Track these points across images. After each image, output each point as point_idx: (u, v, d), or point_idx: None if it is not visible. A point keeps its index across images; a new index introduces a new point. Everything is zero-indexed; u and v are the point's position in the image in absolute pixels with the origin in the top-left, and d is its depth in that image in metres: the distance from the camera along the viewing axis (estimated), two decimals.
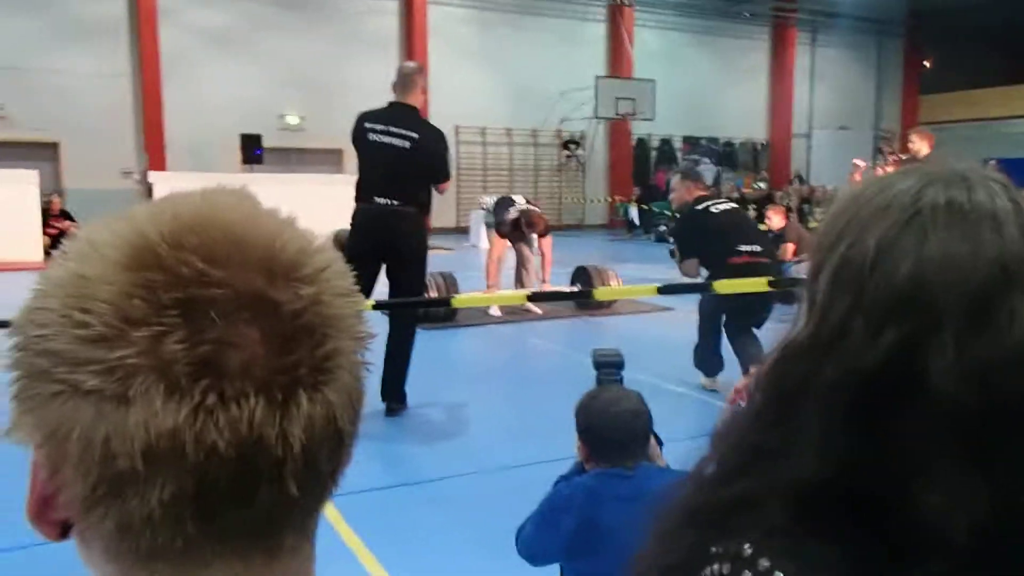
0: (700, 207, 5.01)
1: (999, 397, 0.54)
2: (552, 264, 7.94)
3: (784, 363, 0.60)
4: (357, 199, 4.46)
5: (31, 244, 11.33)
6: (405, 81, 4.48)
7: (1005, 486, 0.53)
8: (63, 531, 0.42)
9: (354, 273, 0.45)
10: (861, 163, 8.37)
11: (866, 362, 0.56)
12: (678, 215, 5.67)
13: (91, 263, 0.39)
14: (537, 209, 7.79)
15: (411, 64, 4.76)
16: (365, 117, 4.49)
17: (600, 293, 6.06)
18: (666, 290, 4.66)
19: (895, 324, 0.56)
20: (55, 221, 12.06)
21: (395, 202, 4.36)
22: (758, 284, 4.38)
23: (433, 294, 6.63)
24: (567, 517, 1.67)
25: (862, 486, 0.55)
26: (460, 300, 6.32)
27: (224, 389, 0.38)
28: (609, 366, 1.95)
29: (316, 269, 0.42)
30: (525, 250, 7.77)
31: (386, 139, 4.38)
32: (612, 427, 1.76)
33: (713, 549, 0.57)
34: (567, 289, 7.47)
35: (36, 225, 11.58)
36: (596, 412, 1.77)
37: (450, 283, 7.14)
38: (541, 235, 7.70)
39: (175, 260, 0.38)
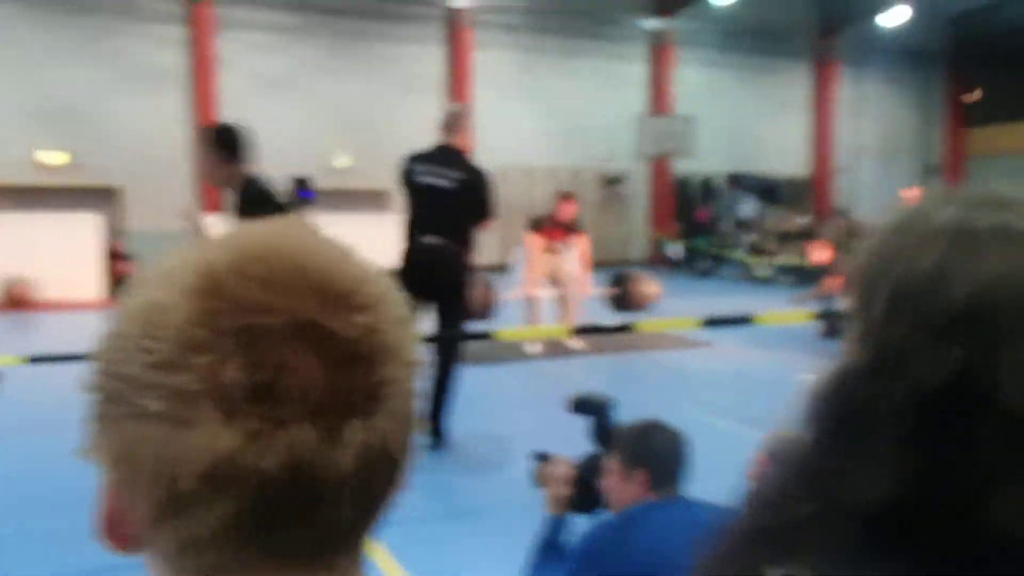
0: None
1: None
2: (592, 276, 7.93)
3: (844, 388, 0.61)
4: (406, 236, 4.62)
5: (93, 285, 11.85)
6: (451, 122, 4.64)
7: None
8: (129, 547, 0.44)
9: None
10: (908, 195, 8.32)
11: (933, 381, 0.57)
12: None
13: (162, 291, 0.41)
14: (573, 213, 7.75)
15: (457, 106, 4.96)
16: (413, 158, 4.65)
17: (644, 326, 6.13)
18: (709, 323, 4.73)
19: (959, 343, 0.57)
20: (118, 263, 12.60)
21: (441, 240, 4.52)
22: (803, 316, 4.40)
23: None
24: (635, 548, 1.58)
25: (931, 503, 0.56)
26: (503, 334, 6.44)
27: (280, 415, 0.39)
28: (589, 408, 1.95)
29: (372, 297, 0.43)
30: (565, 288, 7.81)
31: (432, 180, 4.53)
32: (677, 451, 1.75)
33: (771, 574, 0.57)
34: (607, 323, 7.54)
35: (98, 266, 12.09)
36: (660, 439, 1.76)
37: (490, 287, 7.11)
38: (578, 232, 7.69)
39: (237, 288, 0.40)
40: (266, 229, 0.45)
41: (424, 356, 0.49)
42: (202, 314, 0.39)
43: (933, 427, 0.57)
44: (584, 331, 6.98)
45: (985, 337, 0.57)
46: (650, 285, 7.75)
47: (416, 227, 4.57)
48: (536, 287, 7.58)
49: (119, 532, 0.43)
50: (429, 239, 4.52)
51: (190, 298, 0.40)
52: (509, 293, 7.76)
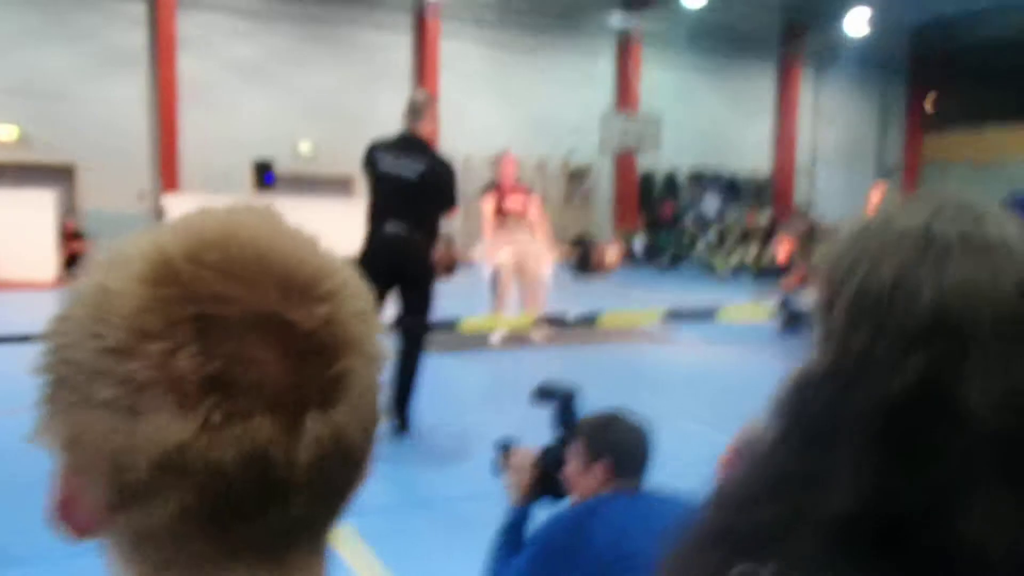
0: None
1: None
2: (552, 258, 7.96)
3: (804, 392, 0.61)
4: (368, 225, 4.59)
5: (46, 264, 11.53)
6: (415, 111, 4.60)
7: None
8: (84, 533, 0.42)
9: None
10: (874, 192, 8.43)
11: (894, 389, 0.56)
12: None
13: (114, 276, 0.40)
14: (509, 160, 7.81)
15: (421, 94, 4.91)
16: (375, 146, 4.61)
17: (607, 320, 6.18)
18: (672, 316, 4.78)
19: (921, 350, 0.57)
20: (71, 242, 12.28)
21: (405, 228, 4.50)
22: (760, 313, 4.48)
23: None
24: (594, 539, 1.57)
25: (895, 513, 0.55)
26: (466, 325, 6.44)
27: (231, 406, 0.38)
28: (553, 396, 1.93)
29: (333, 288, 0.42)
30: (530, 283, 7.80)
31: (396, 169, 4.50)
32: (640, 443, 1.74)
33: (733, 572, 0.57)
34: (570, 315, 7.58)
35: (51, 246, 11.78)
36: (625, 429, 1.74)
37: (452, 244, 7.14)
38: (519, 191, 7.73)
39: (192, 276, 0.39)
40: (224, 214, 0.43)
41: (387, 348, 0.46)
42: (155, 301, 0.38)
43: (895, 436, 0.56)
44: (548, 322, 7.01)
45: (947, 345, 0.56)
46: (611, 251, 7.80)
47: (379, 215, 4.54)
48: (492, 248, 7.57)
49: (73, 518, 0.42)
50: (392, 227, 4.49)
51: (143, 284, 0.39)
52: (472, 252, 7.75)
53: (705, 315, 5.09)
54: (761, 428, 0.90)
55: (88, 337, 0.39)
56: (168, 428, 0.37)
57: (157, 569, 0.41)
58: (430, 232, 4.59)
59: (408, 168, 4.51)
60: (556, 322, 7.28)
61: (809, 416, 0.60)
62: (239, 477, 0.38)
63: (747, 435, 0.98)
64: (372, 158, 4.57)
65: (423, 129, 4.62)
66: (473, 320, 6.66)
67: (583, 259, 7.19)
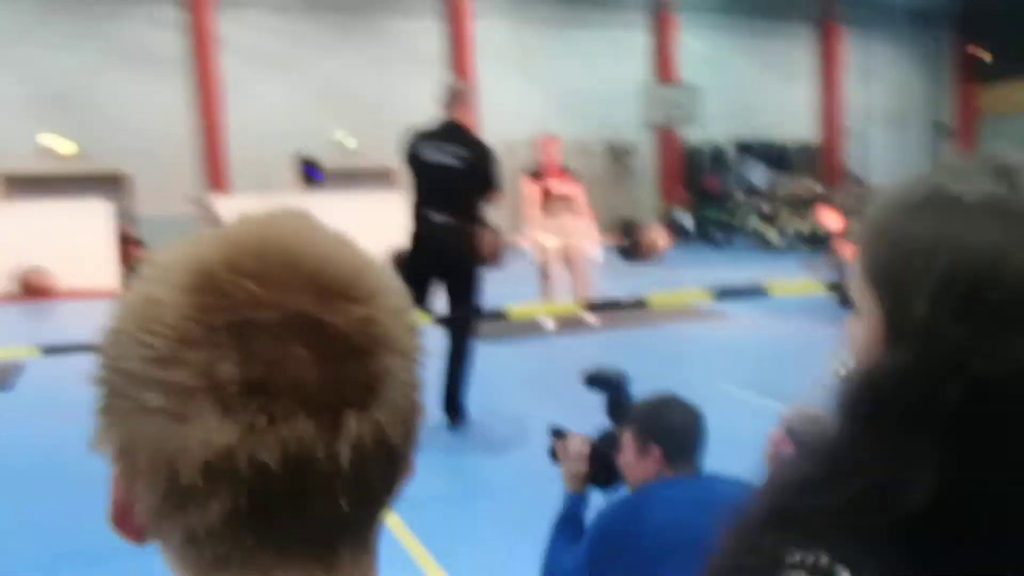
0: None
1: None
2: (599, 246, 7.93)
3: (881, 389, 0.58)
4: (412, 216, 4.59)
5: (107, 272, 11.89)
6: (453, 98, 4.59)
7: None
8: (140, 537, 0.44)
9: (411, 288, 0.47)
10: None
11: (996, 377, 0.54)
12: None
13: (158, 286, 0.41)
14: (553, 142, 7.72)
15: (458, 80, 4.91)
16: (417, 136, 4.60)
17: (656, 301, 6.12)
18: (722, 295, 4.71)
19: (1012, 335, 0.54)
20: (129, 248, 12.64)
21: (450, 217, 4.50)
22: (815, 286, 4.39)
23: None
24: (649, 524, 1.56)
25: (974, 511, 0.54)
26: (516, 312, 6.44)
27: (273, 409, 0.39)
28: (602, 383, 1.94)
29: (368, 288, 0.43)
30: (576, 263, 7.77)
31: (438, 157, 4.50)
32: (693, 427, 1.73)
33: (790, 559, 0.56)
34: (620, 299, 7.53)
35: (110, 253, 12.13)
36: (676, 414, 1.73)
37: (498, 234, 7.19)
38: (566, 176, 7.68)
39: (230, 284, 0.40)
40: (261, 220, 0.45)
41: (426, 345, 0.47)
42: (196, 309, 0.40)
43: (987, 425, 0.54)
44: (596, 307, 6.98)
45: None
46: (659, 235, 7.70)
47: (424, 206, 4.54)
48: (539, 233, 7.53)
49: (128, 523, 0.44)
50: (438, 217, 4.49)
51: (184, 293, 0.40)
52: (519, 239, 7.74)
53: (756, 292, 4.99)
54: (818, 415, 0.87)
55: (136, 346, 0.40)
56: (215, 433, 0.39)
57: (208, 568, 0.43)
58: (475, 219, 4.59)
59: (452, 155, 4.50)
60: (606, 306, 7.24)
61: (888, 412, 0.57)
62: (284, 477, 0.39)
63: (796, 415, 0.96)
64: (414, 148, 4.57)
65: (462, 116, 4.61)
66: (522, 307, 6.66)
67: (632, 246, 7.07)
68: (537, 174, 7.71)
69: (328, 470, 0.40)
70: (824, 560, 0.55)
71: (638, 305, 6.84)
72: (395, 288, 0.45)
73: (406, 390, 0.44)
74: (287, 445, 0.39)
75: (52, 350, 4.13)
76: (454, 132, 4.57)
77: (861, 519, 0.56)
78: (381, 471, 0.43)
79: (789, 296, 7.11)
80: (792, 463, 0.66)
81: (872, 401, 0.59)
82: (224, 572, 0.42)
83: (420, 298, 4.46)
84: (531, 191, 7.66)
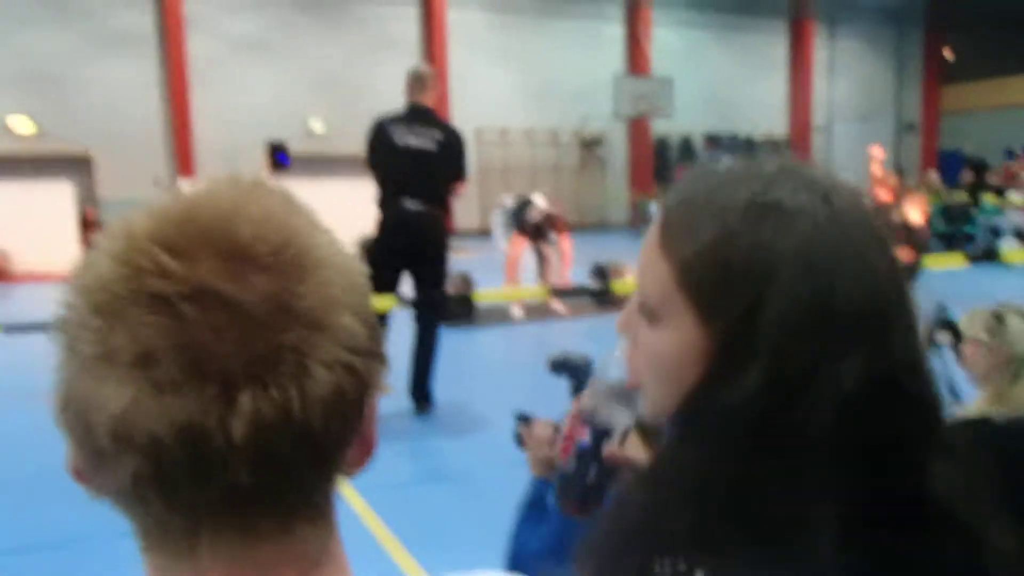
0: None
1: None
2: (572, 264, 8.05)
3: (736, 410, 0.58)
4: (382, 202, 4.50)
5: (67, 254, 11.66)
6: (421, 82, 4.53)
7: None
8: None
9: (380, 277, 0.48)
10: (878, 152, 8.35)
11: (850, 388, 0.55)
12: None
13: (98, 253, 0.42)
14: (556, 211, 7.94)
15: (422, 66, 4.85)
16: (386, 120, 4.52)
17: (618, 286, 6.18)
18: None
19: (865, 340, 0.56)
20: (91, 231, 12.41)
21: (422, 204, 4.46)
22: None
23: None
24: None
25: (854, 512, 0.55)
26: (482, 296, 6.47)
27: (161, 380, 0.39)
28: (568, 368, 1.97)
29: (297, 262, 0.42)
30: (546, 249, 7.90)
31: (412, 140, 4.43)
32: None
33: (657, 569, 0.57)
34: (586, 284, 7.59)
35: (71, 236, 11.92)
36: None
37: (469, 282, 7.27)
38: (560, 232, 7.85)
39: (143, 253, 0.40)
40: (206, 191, 0.44)
41: (377, 328, 0.46)
42: (110, 278, 0.40)
43: (854, 433, 0.55)
44: (563, 293, 7.02)
45: (879, 332, 0.57)
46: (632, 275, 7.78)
47: (395, 192, 4.46)
48: (516, 272, 7.66)
49: (80, 476, 0.44)
50: (411, 204, 4.43)
51: (107, 260, 0.41)
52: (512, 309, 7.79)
53: None
54: (607, 395, 0.88)
55: (69, 308, 0.42)
56: (112, 400, 0.39)
57: (142, 531, 0.44)
58: (444, 205, 4.58)
59: (429, 139, 4.46)
60: (572, 292, 7.28)
61: (746, 432, 0.57)
62: (176, 448, 0.39)
63: (588, 402, 0.97)
64: (384, 132, 4.48)
65: (430, 101, 4.56)
66: (488, 292, 6.68)
67: (605, 291, 7.06)
68: (526, 232, 7.71)
69: (221, 443, 0.39)
70: (683, 566, 0.56)
71: (603, 294, 6.89)
72: (342, 266, 0.44)
73: (330, 368, 0.42)
74: (176, 415, 0.39)
75: (9, 329, 4.07)
76: (426, 116, 4.53)
77: (721, 530, 0.56)
78: (293, 447, 0.41)
79: None
80: (640, 481, 0.66)
81: (727, 423, 0.58)
82: (149, 537, 0.44)
83: (391, 286, 4.44)
84: (515, 246, 7.76)
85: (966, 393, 2.15)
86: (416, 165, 4.44)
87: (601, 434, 0.96)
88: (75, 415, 0.41)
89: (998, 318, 1.87)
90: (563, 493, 1.06)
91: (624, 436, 0.93)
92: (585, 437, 0.98)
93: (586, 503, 1.00)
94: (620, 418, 0.93)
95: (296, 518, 0.45)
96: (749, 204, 0.59)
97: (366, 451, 0.47)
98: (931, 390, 0.60)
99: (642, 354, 0.67)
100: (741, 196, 0.60)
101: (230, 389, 0.39)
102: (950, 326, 2.07)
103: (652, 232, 0.65)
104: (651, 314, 0.65)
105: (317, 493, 0.46)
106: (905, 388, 0.57)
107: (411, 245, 4.43)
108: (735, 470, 0.57)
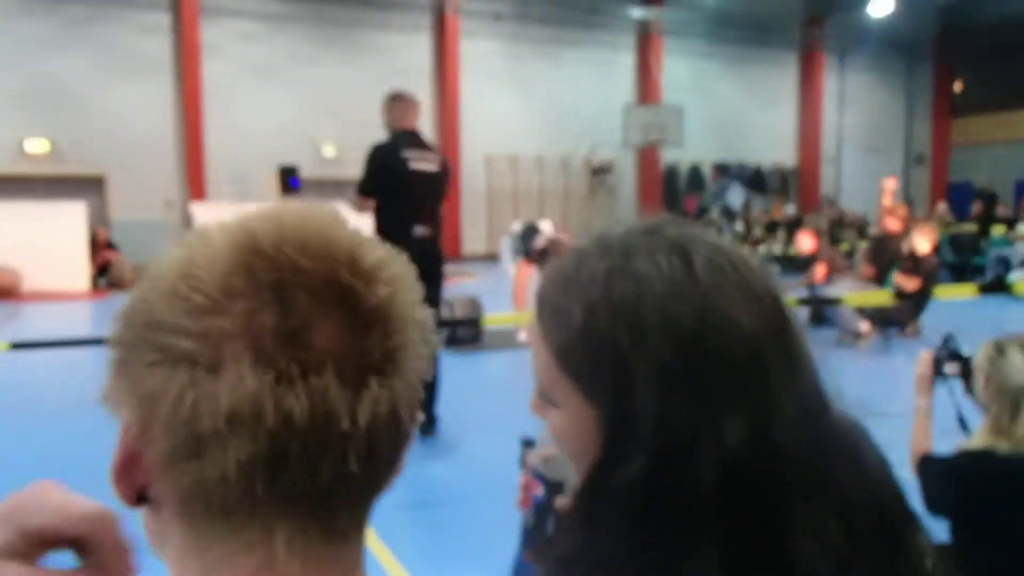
0: None
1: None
2: None
3: (621, 494, 0.57)
4: (391, 232, 4.21)
5: (79, 274, 11.76)
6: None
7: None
8: (139, 498, 0.45)
9: None
10: (891, 184, 8.37)
11: (728, 449, 0.54)
12: None
13: (200, 250, 0.44)
14: (564, 237, 7.96)
15: (403, 91, 4.83)
16: (395, 145, 4.41)
17: None
18: None
19: (736, 398, 0.55)
20: (102, 252, 12.51)
21: (429, 230, 4.46)
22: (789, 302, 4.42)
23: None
24: None
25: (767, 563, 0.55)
26: (490, 320, 6.47)
27: (305, 361, 0.41)
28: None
29: (392, 274, 0.47)
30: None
31: (422, 165, 4.42)
32: None
33: None
34: None
35: (83, 256, 12.00)
36: None
37: (478, 306, 7.27)
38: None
39: (273, 248, 0.43)
40: (297, 208, 0.47)
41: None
42: (241, 266, 0.42)
43: (743, 496, 0.55)
44: None
45: (758, 390, 0.56)
46: None
47: (406, 218, 4.37)
48: (524, 298, 7.68)
49: (129, 477, 0.45)
50: (420, 230, 4.41)
51: (230, 252, 0.43)
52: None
53: None
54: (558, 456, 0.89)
55: (172, 298, 0.42)
56: (247, 379, 0.41)
57: (212, 517, 0.44)
58: (440, 228, 4.64)
59: (431, 163, 4.50)
60: None
61: (634, 513, 0.57)
62: (306, 429, 0.41)
63: (540, 458, 0.97)
64: (396, 158, 4.36)
65: (415, 124, 4.57)
66: (495, 316, 6.68)
67: None
68: (533, 259, 7.71)
69: (346, 428, 0.42)
70: None
71: None
72: (412, 281, 0.49)
73: (419, 365, 0.47)
74: (314, 397, 0.41)
75: (17, 346, 4.08)
76: (423, 140, 4.57)
77: None
78: (390, 441, 0.45)
79: None
80: (552, 563, 0.66)
81: (617, 504, 0.57)
82: (224, 524, 0.43)
83: None
84: (523, 273, 7.77)
85: (974, 424, 2.12)
86: (425, 189, 4.46)
87: (554, 488, 0.97)
88: (169, 403, 0.41)
89: (999, 348, 1.86)
90: (525, 544, 1.07)
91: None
92: (539, 491, 0.99)
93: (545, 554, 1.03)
94: (571, 472, 0.94)
95: (360, 522, 0.47)
96: (608, 276, 0.59)
97: (398, 470, 0.49)
98: (830, 431, 0.59)
99: (551, 435, 0.68)
100: (601, 270, 0.60)
101: (362, 377, 0.43)
102: (958, 356, 2.05)
103: (532, 319, 0.66)
104: (547, 398, 0.66)
105: (374, 499, 0.48)
106: (792, 439, 0.55)
107: (421, 272, 4.42)
108: (627, 547, 0.56)
